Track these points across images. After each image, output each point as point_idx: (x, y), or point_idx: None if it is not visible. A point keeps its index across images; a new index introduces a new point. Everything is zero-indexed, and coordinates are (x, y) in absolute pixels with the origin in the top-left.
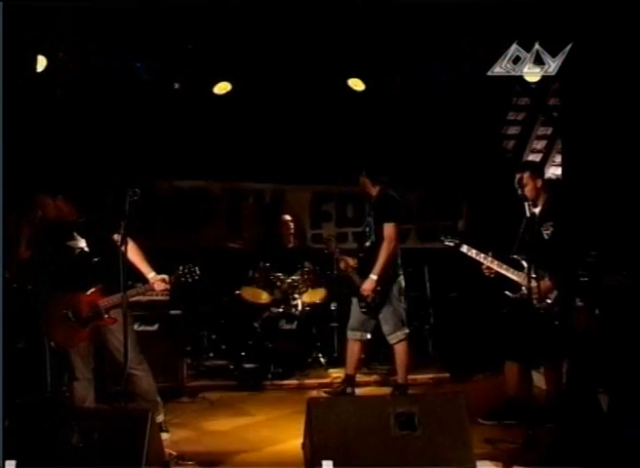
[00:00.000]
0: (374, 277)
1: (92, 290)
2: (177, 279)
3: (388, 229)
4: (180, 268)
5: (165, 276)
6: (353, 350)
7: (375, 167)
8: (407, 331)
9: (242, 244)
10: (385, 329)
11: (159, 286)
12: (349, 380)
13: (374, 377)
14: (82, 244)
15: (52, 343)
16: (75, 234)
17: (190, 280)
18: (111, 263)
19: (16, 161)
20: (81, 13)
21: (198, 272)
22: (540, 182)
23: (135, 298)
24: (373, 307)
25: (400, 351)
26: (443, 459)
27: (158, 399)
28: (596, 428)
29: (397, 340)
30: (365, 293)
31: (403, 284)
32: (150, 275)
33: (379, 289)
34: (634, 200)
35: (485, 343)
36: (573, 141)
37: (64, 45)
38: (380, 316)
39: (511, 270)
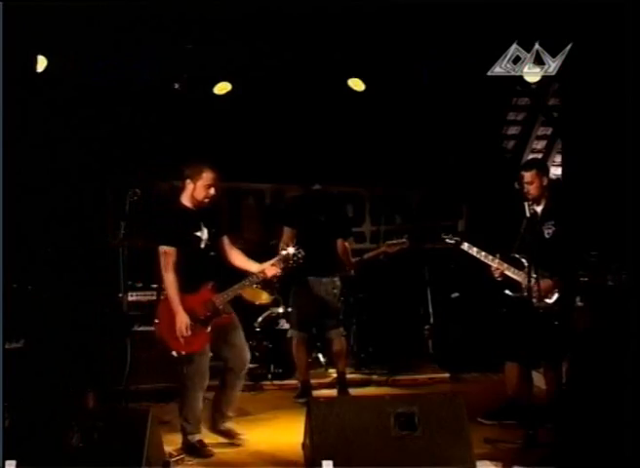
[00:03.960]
0: None
1: (205, 287)
2: (285, 262)
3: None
4: (291, 250)
5: (274, 261)
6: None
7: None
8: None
9: (242, 244)
10: None
11: (271, 271)
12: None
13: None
14: (205, 236)
15: (173, 353)
16: (202, 224)
17: (295, 264)
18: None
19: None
20: (81, 12)
21: (303, 253)
22: (545, 180)
23: (134, 298)
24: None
25: None
26: (443, 459)
27: None
28: (595, 428)
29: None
30: None
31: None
32: (255, 268)
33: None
34: (634, 200)
35: (485, 343)
36: (573, 141)
37: (64, 45)
38: None
39: (512, 269)
